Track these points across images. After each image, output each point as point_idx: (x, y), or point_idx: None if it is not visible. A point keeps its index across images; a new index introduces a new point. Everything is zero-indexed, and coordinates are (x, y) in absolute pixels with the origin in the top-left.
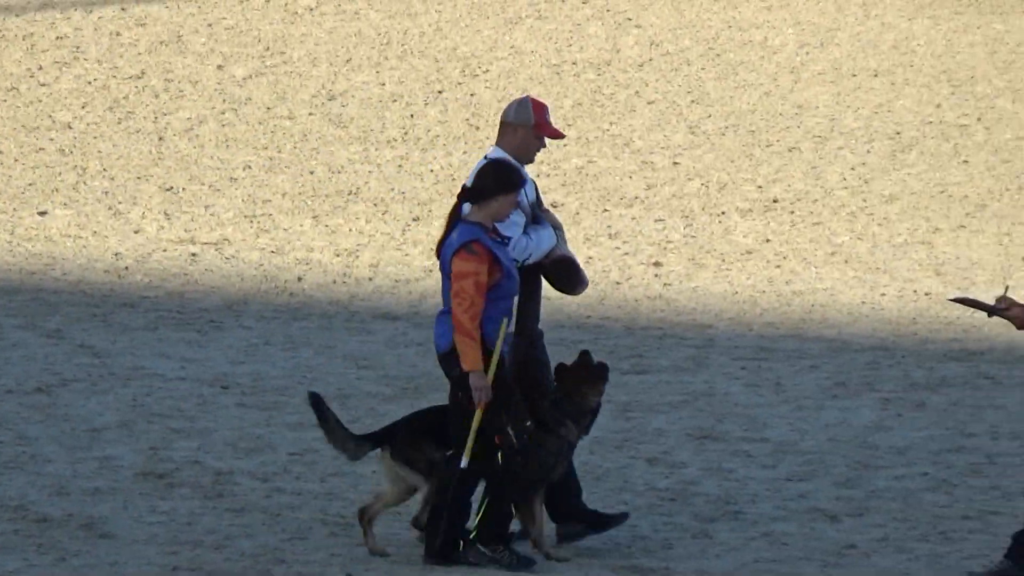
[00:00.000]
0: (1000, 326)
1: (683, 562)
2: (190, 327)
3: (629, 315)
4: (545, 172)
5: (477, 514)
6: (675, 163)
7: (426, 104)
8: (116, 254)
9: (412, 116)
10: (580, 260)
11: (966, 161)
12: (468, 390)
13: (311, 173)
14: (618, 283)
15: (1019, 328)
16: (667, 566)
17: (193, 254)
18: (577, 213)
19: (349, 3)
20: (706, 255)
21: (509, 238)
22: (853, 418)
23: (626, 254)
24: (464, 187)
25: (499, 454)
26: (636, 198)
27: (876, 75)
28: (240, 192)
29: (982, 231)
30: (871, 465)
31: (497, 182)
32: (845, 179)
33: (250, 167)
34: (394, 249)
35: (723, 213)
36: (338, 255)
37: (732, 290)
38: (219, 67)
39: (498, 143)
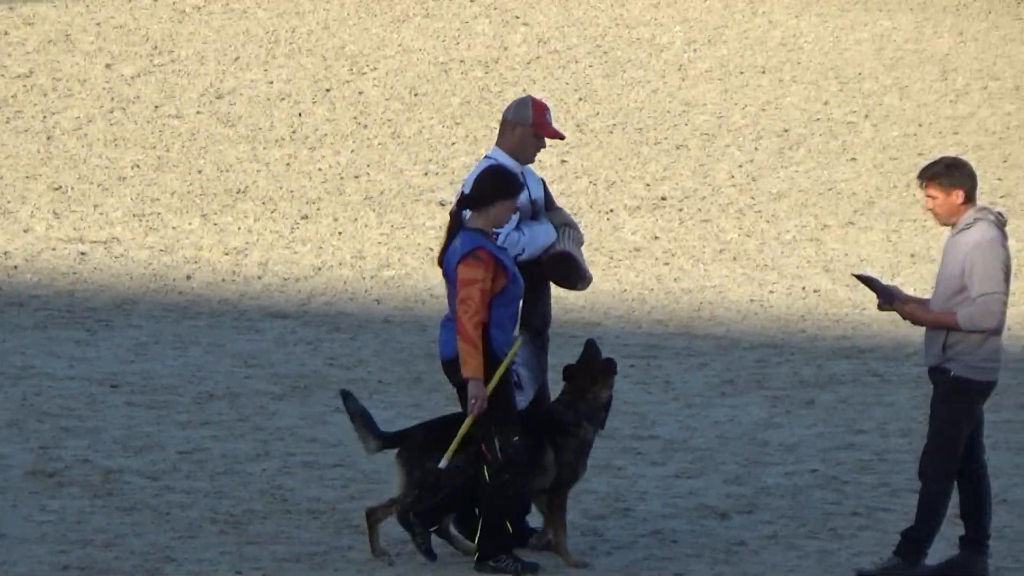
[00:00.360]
0: (888, 323)
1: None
2: (79, 326)
3: None
4: (434, 170)
5: (475, 534)
6: (563, 161)
7: (314, 102)
8: (5, 253)
9: (300, 114)
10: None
11: (854, 158)
12: (466, 396)
13: (199, 172)
14: None
15: (908, 320)
16: (557, 563)
17: (82, 253)
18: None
19: (237, 2)
20: (594, 253)
21: (498, 233)
22: (742, 415)
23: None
24: (463, 194)
25: (485, 468)
26: None
27: (763, 72)
28: (129, 191)
29: (870, 228)
30: (760, 462)
31: (495, 188)
32: (733, 176)
33: (139, 166)
34: (283, 247)
35: (611, 211)
36: (227, 254)
37: (621, 288)
38: (107, 66)
39: (498, 143)
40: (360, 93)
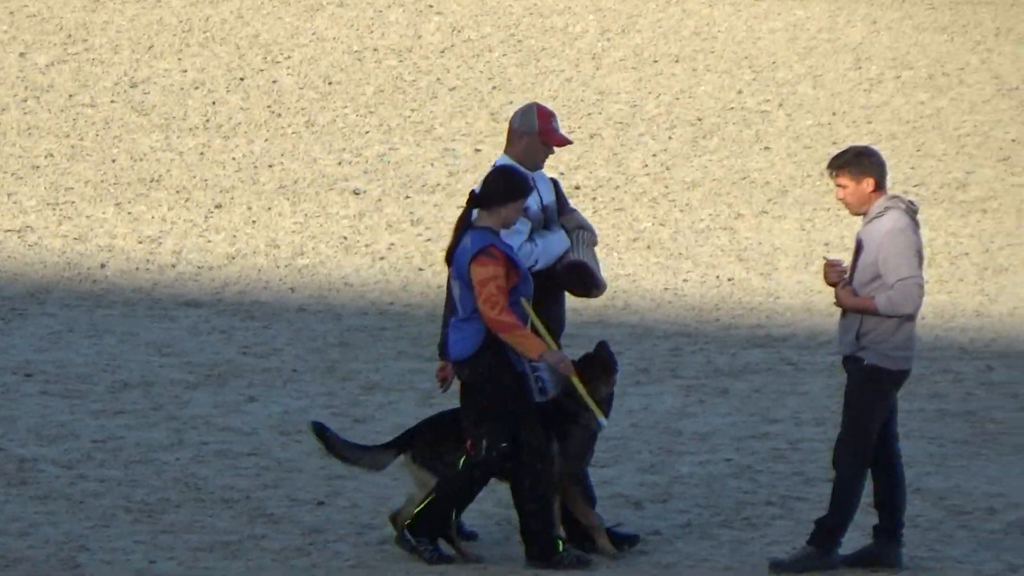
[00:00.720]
0: (802, 312)
1: (489, 549)
2: None
3: (432, 302)
4: (347, 159)
5: (418, 505)
6: (477, 150)
7: (228, 91)
8: None
9: (214, 103)
10: (567, 256)
11: (767, 147)
12: (482, 393)
13: (113, 161)
14: (421, 270)
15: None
16: (478, 554)
17: None
18: (379, 200)
19: None
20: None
21: (509, 247)
22: (656, 404)
23: (428, 240)
24: (472, 193)
25: (462, 459)
26: (438, 185)
27: (677, 61)
28: (43, 180)
29: (784, 217)
30: (674, 451)
31: (504, 189)
32: (647, 165)
33: (52, 155)
34: (196, 236)
35: None
36: (141, 242)
37: None
38: (21, 54)
39: (506, 150)
40: (274, 82)
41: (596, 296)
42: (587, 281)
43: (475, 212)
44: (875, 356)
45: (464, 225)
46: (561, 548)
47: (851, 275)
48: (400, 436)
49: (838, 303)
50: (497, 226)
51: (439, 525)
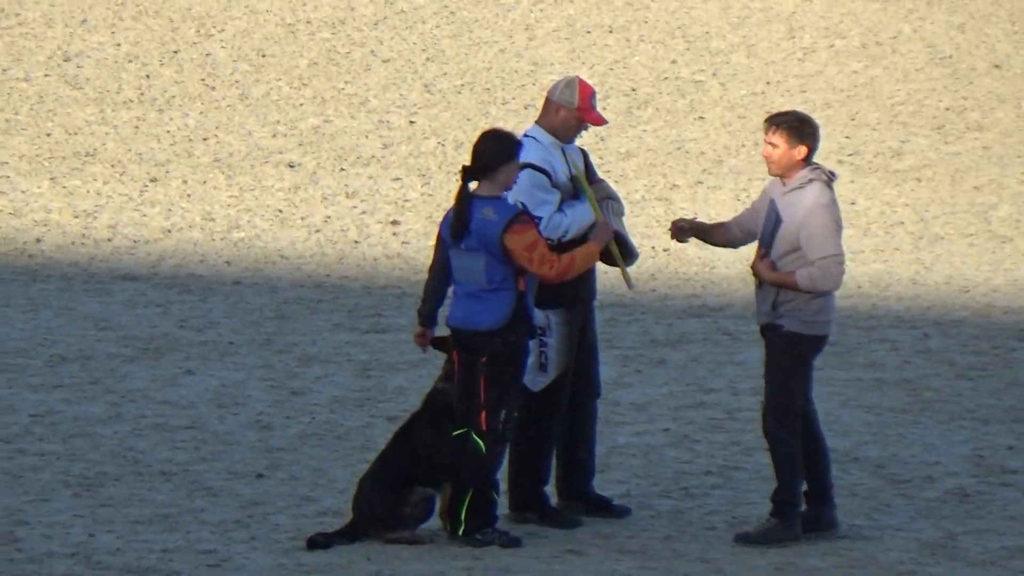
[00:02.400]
0: (739, 282)
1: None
2: None
3: (368, 274)
4: (281, 132)
5: (461, 508)
6: (411, 122)
7: (162, 64)
8: None
9: (148, 76)
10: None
11: (702, 117)
12: (511, 363)
13: (48, 135)
14: (356, 242)
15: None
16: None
17: None
18: (314, 173)
19: None
20: (443, 213)
21: (540, 218)
22: None
23: (364, 213)
24: (464, 167)
25: (480, 440)
26: (373, 157)
27: (611, 31)
28: None
29: (719, 187)
30: (611, 421)
31: (495, 154)
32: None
33: None
34: (132, 210)
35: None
36: (76, 216)
37: None
38: None
39: (538, 120)
40: (208, 55)
41: (629, 265)
42: (622, 250)
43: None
44: (793, 323)
45: (466, 197)
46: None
47: (768, 244)
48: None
49: (756, 275)
50: (499, 191)
51: (487, 510)
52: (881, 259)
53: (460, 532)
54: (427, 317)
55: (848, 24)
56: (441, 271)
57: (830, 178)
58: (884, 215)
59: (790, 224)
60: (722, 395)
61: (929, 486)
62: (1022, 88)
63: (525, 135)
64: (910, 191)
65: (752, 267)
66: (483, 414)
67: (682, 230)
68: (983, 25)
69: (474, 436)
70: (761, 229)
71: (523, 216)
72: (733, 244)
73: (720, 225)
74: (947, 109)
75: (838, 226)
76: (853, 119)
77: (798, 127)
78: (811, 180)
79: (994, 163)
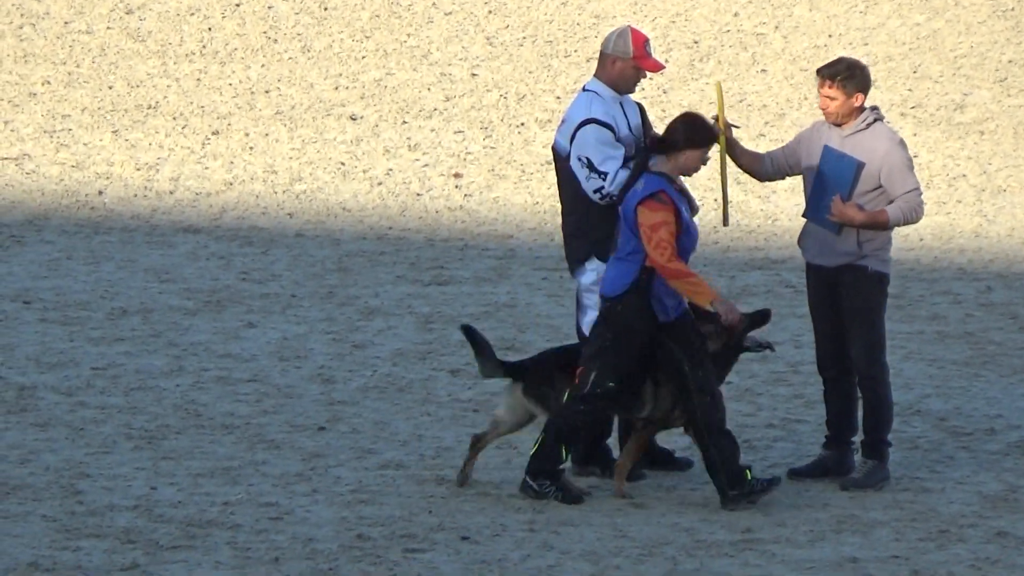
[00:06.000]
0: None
1: (488, 473)
2: None
3: (430, 227)
4: (344, 84)
5: (533, 448)
6: (473, 74)
7: (224, 17)
8: None
9: (210, 29)
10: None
11: (764, 70)
12: (613, 330)
13: (110, 88)
14: (419, 195)
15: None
16: (472, 477)
17: None
18: (376, 125)
19: None
20: (506, 166)
21: (606, 173)
22: None
23: (426, 166)
24: (653, 137)
25: (568, 391)
26: (435, 110)
27: None
28: (39, 107)
29: (781, 140)
30: None
31: (686, 136)
32: (644, 89)
33: (49, 82)
34: (194, 163)
35: (522, 124)
36: (138, 169)
37: (532, 200)
38: None
39: (596, 73)
40: (270, 8)
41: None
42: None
43: (655, 157)
44: (876, 263)
45: (640, 169)
46: (749, 476)
47: (845, 188)
48: (517, 363)
49: (843, 218)
50: (674, 172)
51: (551, 463)
52: (944, 211)
53: (526, 471)
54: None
55: None
56: None
57: (882, 115)
58: (947, 168)
59: (869, 165)
60: (785, 348)
61: (991, 439)
62: None
63: (584, 89)
64: (972, 144)
65: (834, 213)
66: (579, 368)
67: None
68: None
69: (568, 390)
70: (822, 177)
71: (662, 195)
72: (759, 175)
73: (755, 154)
74: (1010, 62)
75: (912, 161)
76: (915, 72)
77: (851, 74)
78: (875, 119)
79: None
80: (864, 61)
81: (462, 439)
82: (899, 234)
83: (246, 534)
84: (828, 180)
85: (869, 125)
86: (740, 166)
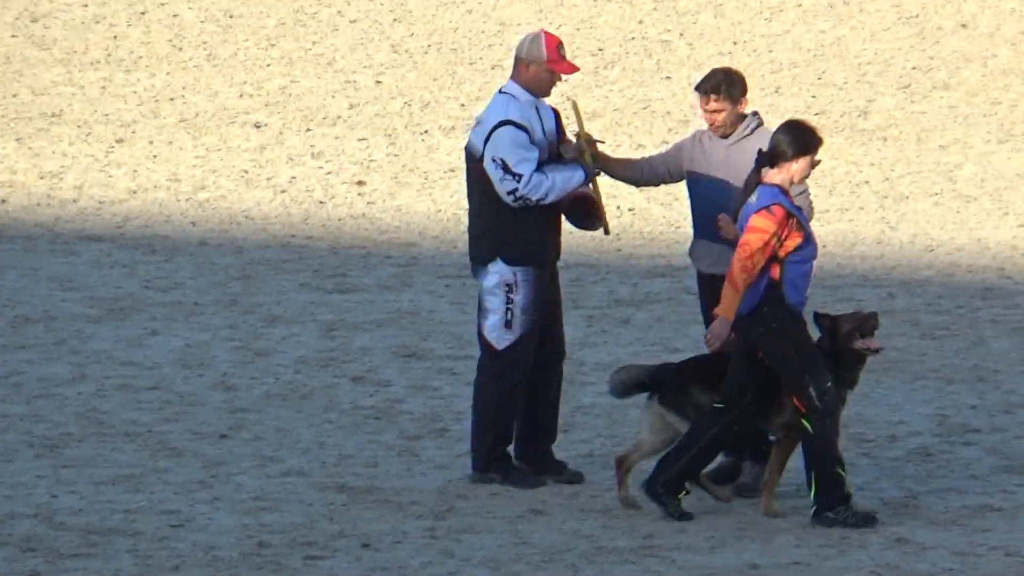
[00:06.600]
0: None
1: (389, 480)
2: None
3: (333, 234)
4: (249, 92)
5: (810, 488)
6: (378, 82)
7: (129, 25)
8: None
9: (115, 37)
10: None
11: (668, 77)
12: (781, 346)
13: (14, 96)
14: (322, 202)
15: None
16: (373, 484)
17: None
18: (280, 133)
19: None
20: (409, 173)
21: (520, 175)
22: None
23: (329, 173)
24: (760, 151)
25: (804, 420)
26: (339, 117)
27: None
28: None
29: None
30: (576, 381)
31: (792, 145)
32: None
33: None
34: (98, 171)
35: (426, 132)
36: (42, 177)
37: (436, 208)
38: None
39: (512, 77)
40: (175, 16)
41: (595, 230)
42: (592, 213)
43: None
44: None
45: (752, 182)
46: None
47: (712, 195)
48: (649, 371)
49: (733, 235)
50: (785, 183)
51: (839, 489)
52: (846, 218)
53: (812, 512)
54: None
55: None
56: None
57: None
58: (850, 174)
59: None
60: (687, 354)
61: (893, 446)
62: (988, 47)
63: (501, 92)
64: (876, 150)
65: (723, 232)
66: (794, 399)
67: (580, 148)
68: None
69: (803, 420)
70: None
71: (775, 207)
72: (634, 181)
73: (627, 161)
74: (914, 68)
75: None
76: (820, 78)
77: (733, 83)
78: (758, 125)
79: (960, 123)
80: (769, 68)
81: (363, 446)
82: None
83: (147, 542)
84: (710, 203)
85: (753, 131)
86: (613, 175)
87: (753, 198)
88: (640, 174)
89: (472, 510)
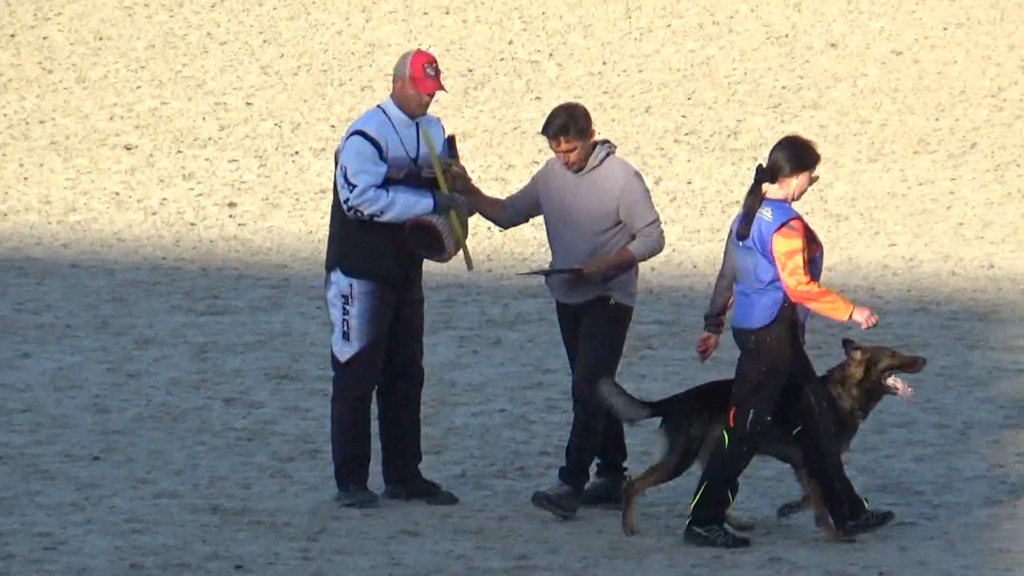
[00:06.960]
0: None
1: (262, 501)
2: None
3: (204, 256)
4: (119, 114)
5: (694, 496)
6: (248, 103)
7: None
8: None
9: None
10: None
11: (538, 97)
12: (764, 364)
13: None
14: (193, 224)
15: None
16: (246, 505)
17: None
18: (151, 155)
19: None
20: (280, 195)
21: (354, 186)
22: (430, 356)
23: (200, 195)
24: (760, 167)
25: (726, 433)
26: (210, 139)
27: (447, 12)
28: None
29: None
30: (448, 402)
31: (790, 161)
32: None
33: None
34: None
35: (296, 153)
36: None
37: (307, 229)
38: None
39: (391, 93)
40: (45, 38)
41: (438, 261)
42: (433, 243)
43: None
44: (622, 296)
45: (756, 198)
46: (867, 505)
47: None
48: (660, 401)
49: (593, 272)
50: (787, 197)
51: (717, 508)
52: (717, 238)
53: (687, 523)
54: (710, 318)
55: (685, 3)
56: (730, 272)
57: (614, 149)
58: (721, 194)
59: (606, 203)
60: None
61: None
62: (857, 67)
63: (377, 106)
64: (747, 170)
65: (581, 270)
66: (732, 410)
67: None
68: (819, 4)
69: (724, 430)
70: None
71: (795, 222)
72: (500, 221)
73: (495, 200)
74: (783, 88)
75: (648, 192)
76: (690, 98)
77: (576, 119)
78: (607, 154)
79: (830, 142)
80: (639, 88)
81: (236, 468)
82: (672, 262)
83: (19, 564)
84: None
85: (602, 161)
86: (482, 214)
87: (767, 214)
88: (505, 213)
89: (345, 531)
